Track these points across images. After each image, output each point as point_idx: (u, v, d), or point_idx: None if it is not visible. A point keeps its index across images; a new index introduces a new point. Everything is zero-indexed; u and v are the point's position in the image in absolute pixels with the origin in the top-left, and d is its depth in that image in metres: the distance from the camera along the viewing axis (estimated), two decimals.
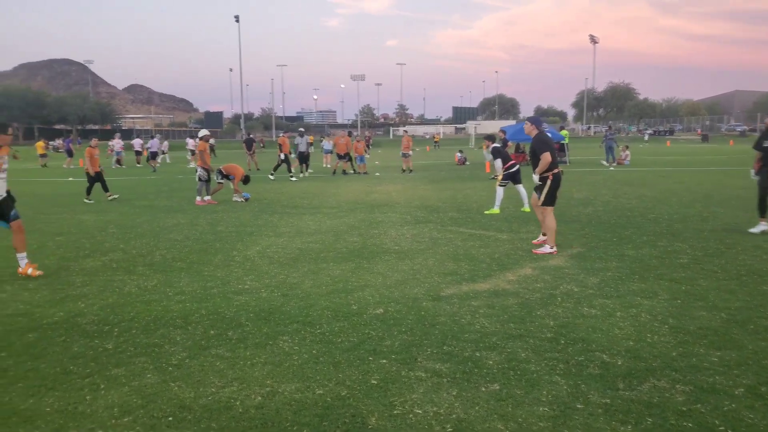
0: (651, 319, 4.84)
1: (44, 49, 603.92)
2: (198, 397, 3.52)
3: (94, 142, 15.30)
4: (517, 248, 7.83)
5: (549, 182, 7.53)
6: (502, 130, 18.68)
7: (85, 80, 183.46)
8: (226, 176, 14.25)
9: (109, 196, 14.68)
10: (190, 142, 35.12)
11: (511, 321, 4.85)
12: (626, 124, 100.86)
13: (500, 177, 11.46)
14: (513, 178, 11.47)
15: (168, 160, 36.62)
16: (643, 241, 8.18)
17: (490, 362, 4.00)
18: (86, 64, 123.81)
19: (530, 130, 7.81)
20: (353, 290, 5.87)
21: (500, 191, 11.47)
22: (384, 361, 4.05)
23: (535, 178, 7.67)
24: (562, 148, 28.75)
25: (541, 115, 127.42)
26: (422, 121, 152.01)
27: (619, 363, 3.94)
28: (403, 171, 23.57)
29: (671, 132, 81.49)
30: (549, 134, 7.94)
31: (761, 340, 4.31)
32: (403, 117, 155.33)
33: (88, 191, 14.54)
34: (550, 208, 7.58)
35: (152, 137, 36.89)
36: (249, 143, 28.11)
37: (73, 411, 3.38)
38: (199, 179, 13.66)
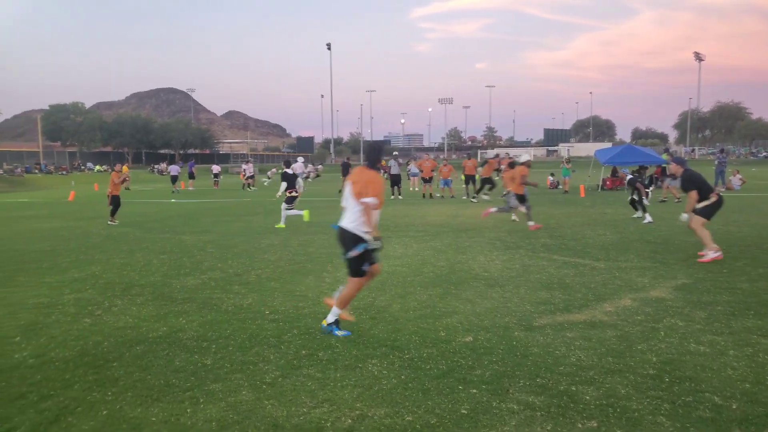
0: None
1: (152, 78, 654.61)
2: (290, 417, 3.60)
3: (117, 167, 16.37)
4: (615, 278, 7.45)
5: (714, 200, 8.49)
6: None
7: (187, 107, 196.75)
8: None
9: (112, 221, 15.05)
10: (298, 167, 35.05)
11: (609, 355, 4.60)
12: (733, 146, 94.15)
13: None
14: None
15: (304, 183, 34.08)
16: (759, 273, 7.53)
17: (587, 397, 3.81)
18: (188, 93, 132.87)
19: (676, 170, 8.94)
20: (441, 316, 5.81)
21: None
22: (474, 390, 3.95)
23: (684, 216, 8.64)
24: (663, 172, 27.32)
25: (639, 137, 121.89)
26: (512, 143, 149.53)
27: (734, 407, 3.62)
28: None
29: None
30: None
31: None
32: (492, 139, 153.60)
33: (112, 213, 15.15)
34: (704, 220, 8.51)
35: (246, 162, 38.33)
36: (345, 168, 29.14)
37: (176, 422, 3.55)
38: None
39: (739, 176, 25.17)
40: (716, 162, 26.10)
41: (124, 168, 18.02)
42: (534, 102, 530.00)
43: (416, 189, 27.66)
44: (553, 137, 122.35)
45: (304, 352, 4.80)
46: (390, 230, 12.80)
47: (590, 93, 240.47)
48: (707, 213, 8.52)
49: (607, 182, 25.92)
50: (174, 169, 33.52)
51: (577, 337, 5.05)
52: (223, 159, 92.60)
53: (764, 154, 74.77)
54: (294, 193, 14.08)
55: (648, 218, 13.89)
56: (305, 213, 14.03)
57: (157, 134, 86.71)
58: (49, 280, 7.96)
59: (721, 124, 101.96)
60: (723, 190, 23.87)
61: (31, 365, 4.62)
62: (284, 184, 13.97)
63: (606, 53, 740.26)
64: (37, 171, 56.75)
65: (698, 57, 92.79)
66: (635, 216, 14.16)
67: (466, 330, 5.32)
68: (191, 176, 34.96)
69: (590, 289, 6.86)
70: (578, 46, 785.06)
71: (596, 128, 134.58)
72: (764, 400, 3.71)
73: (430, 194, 23.40)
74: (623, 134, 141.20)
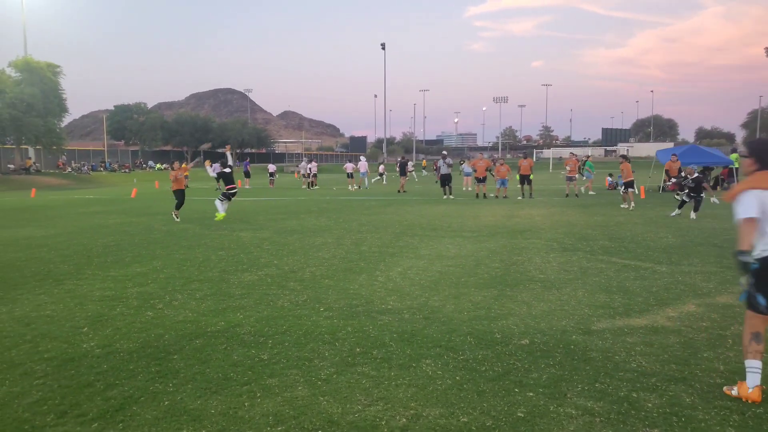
0: None
1: (210, 79, 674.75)
2: (345, 414, 3.62)
3: (176, 165, 16.96)
4: (678, 282, 7.16)
5: None
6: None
7: (244, 107, 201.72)
8: None
9: (176, 215, 15.67)
10: (350, 166, 35.04)
11: (672, 362, 4.43)
12: None
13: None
14: None
15: (384, 182, 37.60)
16: None
17: (649, 405, 3.67)
18: (246, 93, 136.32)
19: None
20: (496, 318, 5.73)
21: None
22: (531, 394, 3.88)
23: None
24: (731, 174, 26.16)
25: (704, 137, 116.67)
26: (568, 143, 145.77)
27: None
28: (567, 195, 22.68)
29: None
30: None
31: None
32: (548, 139, 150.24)
33: (177, 207, 15.82)
34: None
35: (310, 161, 38.05)
36: (402, 167, 29.26)
37: (234, 415, 3.64)
38: None
39: None
40: None
41: (183, 165, 18.71)
42: (592, 101, 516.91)
43: (469, 189, 27.42)
44: (611, 137, 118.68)
45: (358, 349, 4.83)
46: (443, 230, 12.73)
47: (651, 91, 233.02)
48: None
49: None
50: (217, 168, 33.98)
51: (638, 343, 4.88)
52: (279, 158, 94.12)
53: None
54: (234, 189, 15.42)
55: (677, 212, 14.60)
56: (220, 216, 15.06)
57: (216, 133, 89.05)
58: (113, 273, 8.31)
59: None
60: None
61: (97, 355, 4.83)
62: (221, 182, 15.36)
63: (668, 50, 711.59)
64: (102, 169, 59.36)
65: None
66: (693, 217, 14.21)
67: (522, 332, 5.23)
68: (247, 175, 35.56)
69: (652, 293, 6.62)
70: (639, 43, 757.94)
71: (657, 128, 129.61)
72: None
73: (484, 194, 23.14)
74: (686, 134, 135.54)
